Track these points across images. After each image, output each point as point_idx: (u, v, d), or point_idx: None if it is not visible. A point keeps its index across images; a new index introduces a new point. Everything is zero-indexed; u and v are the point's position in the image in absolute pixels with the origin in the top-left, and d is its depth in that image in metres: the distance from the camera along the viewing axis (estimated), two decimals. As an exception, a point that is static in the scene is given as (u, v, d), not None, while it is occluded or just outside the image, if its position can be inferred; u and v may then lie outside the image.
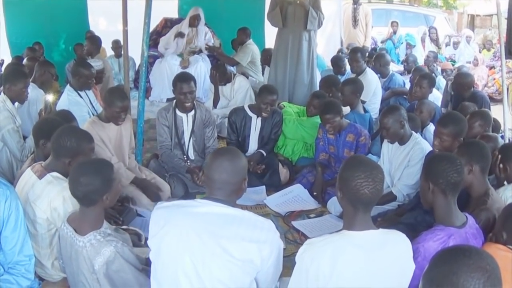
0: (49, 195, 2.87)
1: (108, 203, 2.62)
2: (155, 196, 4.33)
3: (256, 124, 5.21)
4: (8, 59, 8.22)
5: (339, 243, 2.18)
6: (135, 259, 2.61)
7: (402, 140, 4.18)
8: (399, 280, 2.25)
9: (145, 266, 2.64)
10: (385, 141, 4.37)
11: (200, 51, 8.33)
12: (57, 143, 3.00)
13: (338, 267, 2.10)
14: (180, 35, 8.24)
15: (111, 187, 2.57)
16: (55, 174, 2.97)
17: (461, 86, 5.77)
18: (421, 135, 4.97)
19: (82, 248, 2.47)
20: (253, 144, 5.25)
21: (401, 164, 4.16)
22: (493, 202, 2.98)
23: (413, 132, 4.25)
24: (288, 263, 2.48)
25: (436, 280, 1.66)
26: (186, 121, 4.88)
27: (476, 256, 1.67)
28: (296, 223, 4.21)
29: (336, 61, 7.67)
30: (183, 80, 4.69)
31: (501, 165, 3.35)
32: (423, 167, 2.81)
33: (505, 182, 3.36)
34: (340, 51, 9.29)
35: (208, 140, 5.00)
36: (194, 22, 8.35)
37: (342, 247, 2.15)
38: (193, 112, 4.88)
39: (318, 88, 6.65)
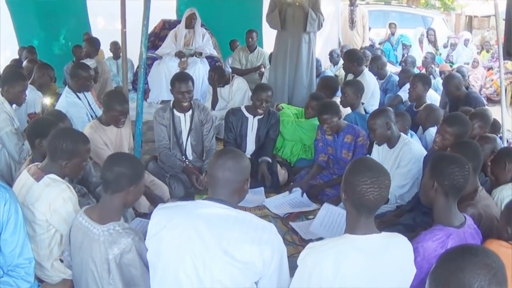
0: (48, 198, 2.88)
1: (130, 198, 2.68)
2: (155, 200, 4.28)
3: (252, 124, 5.22)
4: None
5: (342, 247, 2.17)
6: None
7: (391, 142, 4.22)
8: (400, 284, 2.25)
9: None
10: (375, 144, 4.41)
11: (200, 54, 8.34)
12: (53, 145, 3.00)
13: (341, 271, 2.10)
14: (179, 55, 8.28)
15: (140, 180, 2.68)
16: (52, 176, 2.97)
17: (450, 86, 5.80)
18: (422, 136, 5.00)
19: (99, 236, 2.48)
20: (250, 145, 5.26)
21: (392, 166, 4.16)
22: (480, 198, 3.02)
23: (401, 133, 4.28)
24: (288, 264, 2.47)
25: (443, 277, 1.69)
26: (184, 121, 4.87)
27: (483, 254, 1.69)
28: (294, 225, 4.21)
29: None
30: (181, 80, 4.70)
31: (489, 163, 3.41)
32: (430, 164, 2.77)
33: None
34: (332, 52, 9.28)
35: (206, 138, 5.00)
36: (190, 22, 8.39)
37: (344, 251, 2.15)
38: (190, 112, 4.88)
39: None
